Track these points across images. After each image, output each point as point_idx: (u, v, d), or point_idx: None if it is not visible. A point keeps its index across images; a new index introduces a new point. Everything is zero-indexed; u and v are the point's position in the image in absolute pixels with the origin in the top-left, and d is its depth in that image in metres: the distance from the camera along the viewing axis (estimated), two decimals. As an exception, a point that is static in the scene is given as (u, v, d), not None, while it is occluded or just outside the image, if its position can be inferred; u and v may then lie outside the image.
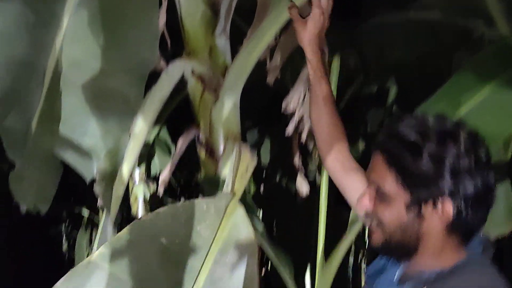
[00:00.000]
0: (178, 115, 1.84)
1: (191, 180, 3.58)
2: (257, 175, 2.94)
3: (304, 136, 1.41)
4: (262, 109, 2.67)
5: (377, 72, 2.48)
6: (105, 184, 1.17)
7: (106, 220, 1.24)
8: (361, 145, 3.01)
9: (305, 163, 2.90)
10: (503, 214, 2.02)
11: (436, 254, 0.89)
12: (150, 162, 2.38)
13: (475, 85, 1.19)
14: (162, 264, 1.21)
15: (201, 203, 1.30)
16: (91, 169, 1.29)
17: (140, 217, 1.17)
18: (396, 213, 0.88)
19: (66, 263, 3.92)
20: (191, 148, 1.51)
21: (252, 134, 2.83)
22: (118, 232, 1.28)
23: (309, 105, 1.26)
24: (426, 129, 0.85)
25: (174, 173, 3.61)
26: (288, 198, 2.88)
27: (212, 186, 1.36)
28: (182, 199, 3.41)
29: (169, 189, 3.57)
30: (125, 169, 1.21)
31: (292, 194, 2.90)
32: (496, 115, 1.14)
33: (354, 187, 1.09)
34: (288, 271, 1.36)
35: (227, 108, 1.31)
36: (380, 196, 0.90)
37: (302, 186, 2.73)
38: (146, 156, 2.38)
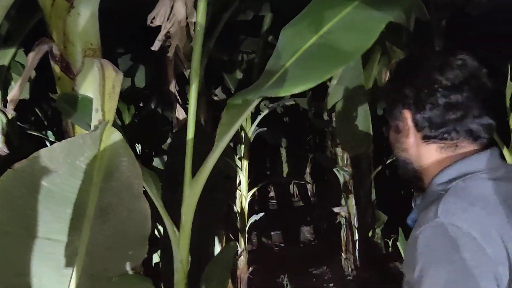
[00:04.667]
0: (37, 38, 1.66)
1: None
2: (133, 103, 2.82)
3: (171, 53, 1.34)
4: (135, 34, 2.52)
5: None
6: None
7: None
8: (238, 74, 3.01)
9: (182, 90, 2.83)
10: (361, 135, 2.20)
11: None
12: (7, 88, 2.15)
13: (338, 2, 1.22)
14: (48, 206, 1.11)
15: (76, 139, 1.20)
16: None
17: (12, 166, 1.05)
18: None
19: None
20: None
21: (125, 60, 2.66)
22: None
23: None
24: None
25: (41, 104, 3.33)
26: (166, 126, 2.83)
27: (71, 105, 1.26)
28: (49, 132, 3.17)
29: (35, 120, 3.30)
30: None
31: (169, 122, 2.85)
32: (355, 31, 1.17)
33: None
34: (156, 191, 1.34)
35: (84, 17, 1.19)
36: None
37: (179, 114, 2.69)
38: (2, 81, 2.15)
